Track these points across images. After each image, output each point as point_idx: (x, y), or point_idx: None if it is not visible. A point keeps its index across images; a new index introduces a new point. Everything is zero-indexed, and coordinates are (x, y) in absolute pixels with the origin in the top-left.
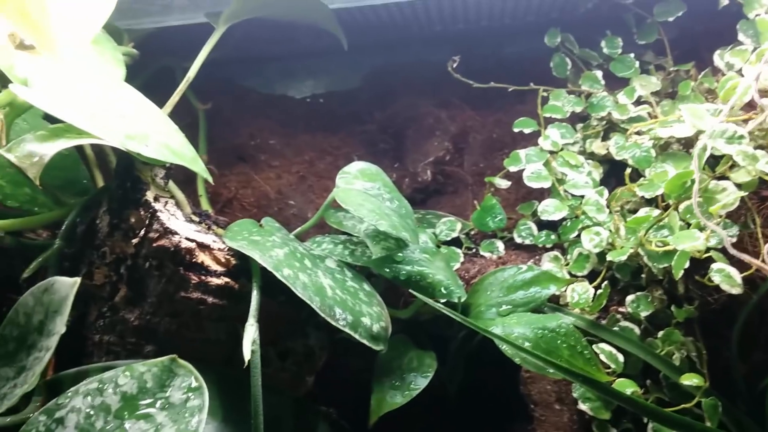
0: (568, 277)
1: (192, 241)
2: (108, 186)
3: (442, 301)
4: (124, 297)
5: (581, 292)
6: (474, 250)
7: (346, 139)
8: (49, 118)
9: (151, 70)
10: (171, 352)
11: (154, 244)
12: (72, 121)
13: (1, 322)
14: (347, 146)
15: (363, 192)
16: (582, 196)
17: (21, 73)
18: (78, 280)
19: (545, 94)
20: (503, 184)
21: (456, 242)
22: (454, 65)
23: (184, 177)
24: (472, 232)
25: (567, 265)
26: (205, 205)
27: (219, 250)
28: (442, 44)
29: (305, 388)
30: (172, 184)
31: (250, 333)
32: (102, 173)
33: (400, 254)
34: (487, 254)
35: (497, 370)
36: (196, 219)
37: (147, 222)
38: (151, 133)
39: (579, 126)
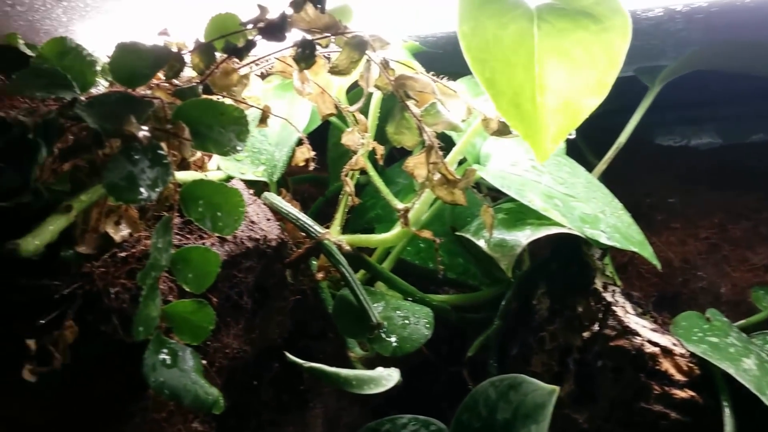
0: None
1: (655, 345)
2: (544, 264)
3: None
4: (570, 393)
5: None
6: None
7: (767, 201)
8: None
9: None
10: None
11: (611, 344)
12: (531, 205)
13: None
14: None
15: None
16: None
17: (481, 150)
18: (557, 389)
19: None
20: None
21: None
22: None
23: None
24: None
25: None
26: None
27: (680, 356)
28: None
29: None
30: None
31: None
32: None
33: None
34: None
35: None
36: (639, 309)
37: (600, 315)
38: (600, 214)
39: None
